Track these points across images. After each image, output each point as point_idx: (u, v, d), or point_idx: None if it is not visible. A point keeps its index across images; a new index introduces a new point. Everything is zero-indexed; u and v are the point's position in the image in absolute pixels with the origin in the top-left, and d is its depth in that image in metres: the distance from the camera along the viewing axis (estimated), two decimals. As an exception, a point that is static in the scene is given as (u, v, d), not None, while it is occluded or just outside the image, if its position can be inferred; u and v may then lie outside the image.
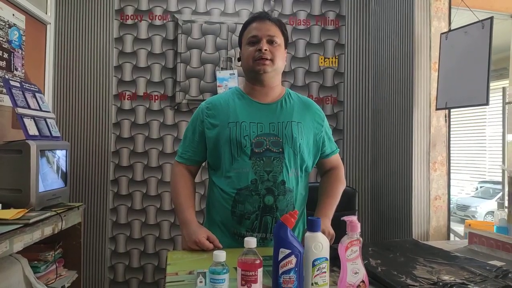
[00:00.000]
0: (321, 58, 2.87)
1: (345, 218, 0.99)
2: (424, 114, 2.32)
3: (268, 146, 1.31)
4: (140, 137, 2.79)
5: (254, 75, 1.36)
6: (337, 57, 2.87)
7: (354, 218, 0.98)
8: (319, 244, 0.95)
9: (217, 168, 1.38)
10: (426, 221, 2.31)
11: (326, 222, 1.35)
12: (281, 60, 1.35)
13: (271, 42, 1.33)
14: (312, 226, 0.97)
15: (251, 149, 1.30)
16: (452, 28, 2.24)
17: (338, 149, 1.50)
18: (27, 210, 1.75)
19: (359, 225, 0.98)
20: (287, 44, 1.41)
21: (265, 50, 1.31)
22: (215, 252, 0.93)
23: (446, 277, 1.02)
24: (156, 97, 2.80)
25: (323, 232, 1.18)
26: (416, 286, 0.96)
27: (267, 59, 1.31)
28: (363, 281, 0.97)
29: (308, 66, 2.86)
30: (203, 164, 1.50)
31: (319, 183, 1.50)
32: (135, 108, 2.79)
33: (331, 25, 2.87)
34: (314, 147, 1.41)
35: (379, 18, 2.74)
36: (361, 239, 0.98)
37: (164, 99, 2.80)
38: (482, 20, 1.99)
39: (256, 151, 1.30)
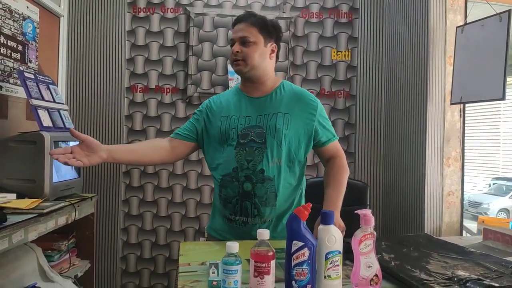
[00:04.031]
0: (334, 52, 2.84)
1: (359, 211, 0.99)
2: (438, 109, 2.29)
3: (252, 137, 1.39)
4: (152, 129, 2.81)
5: (238, 75, 1.48)
6: (350, 50, 2.84)
7: (368, 211, 0.98)
8: (332, 237, 0.95)
9: (212, 157, 1.48)
10: (439, 217, 2.29)
11: (336, 214, 1.36)
12: (259, 57, 1.41)
13: (243, 42, 1.40)
14: (325, 219, 0.97)
15: (237, 140, 1.40)
16: (468, 21, 2.19)
17: (337, 137, 1.49)
18: (41, 200, 1.77)
19: (373, 218, 0.97)
20: (274, 39, 1.45)
21: (237, 52, 1.40)
22: (228, 243, 0.93)
23: (461, 272, 1.01)
24: (168, 90, 2.81)
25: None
26: (431, 281, 0.95)
27: (239, 59, 1.40)
28: (376, 275, 0.97)
29: (321, 60, 2.84)
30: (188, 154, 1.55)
31: (323, 175, 1.51)
32: (147, 101, 2.80)
33: (344, 18, 2.84)
34: (305, 137, 1.43)
35: (393, 11, 2.70)
36: (375, 233, 0.97)
37: (176, 92, 2.81)
38: (499, 13, 1.94)
39: (241, 142, 1.40)
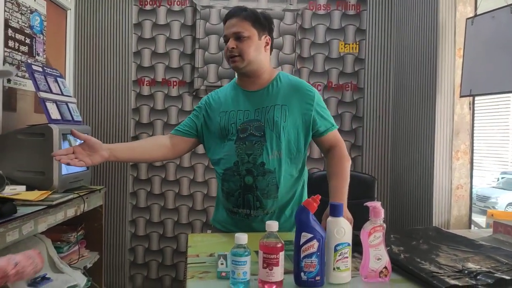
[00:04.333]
0: (341, 44, 2.81)
1: (368, 203, 0.98)
2: (447, 102, 2.27)
3: (251, 131, 1.40)
4: (159, 122, 2.81)
5: (235, 71, 1.47)
6: (358, 43, 2.82)
7: (377, 204, 0.97)
8: (342, 229, 0.94)
9: (213, 152, 1.49)
10: (447, 210, 2.28)
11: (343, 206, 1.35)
12: (254, 51, 1.40)
13: (238, 38, 1.39)
14: (334, 211, 0.96)
15: (237, 135, 1.41)
16: (478, 13, 2.16)
17: (336, 127, 1.49)
18: (50, 192, 1.79)
19: (382, 211, 0.97)
20: (267, 31, 1.45)
21: (232, 48, 1.39)
22: (237, 234, 0.93)
23: (471, 265, 1.00)
24: (175, 83, 2.81)
25: None
26: (441, 273, 0.95)
27: (235, 55, 1.39)
28: (386, 267, 0.97)
29: (328, 52, 2.81)
30: (191, 148, 1.57)
31: (325, 167, 1.50)
32: (153, 94, 2.81)
33: (352, 10, 2.81)
34: (303, 127, 1.43)
35: (402, 3, 2.67)
36: (384, 225, 0.97)
37: (183, 85, 2.81)
38: (510, 5, 1.91)
39: (241, 136, 1.41)
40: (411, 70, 2.55)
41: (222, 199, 1.49)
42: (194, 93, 2.78)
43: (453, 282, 0.89)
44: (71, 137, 2.00)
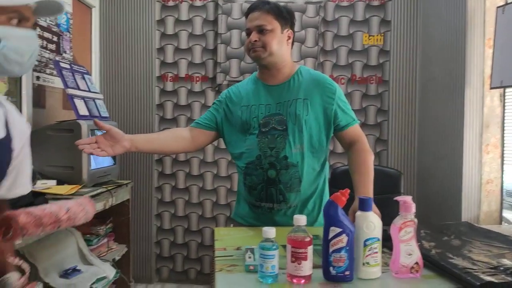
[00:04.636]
0: (366, 36, 2.76)
1: (398, 198, 0.96)
2: (476, 94, 2.19)
3: (273, 125, 1.41)
4: (182, 118, 2.84)
5: (256, 62, 1.47)
6: (382, 34, 2.76)
7: (408, 198, 0.95)
8: (371, 223, 0.93)
9: (234, 146, 1.49)
10: (477, 206, 2.21)
11: None
12: (277, 44, 1.40)
13: (261, 31, 1.39)
14: (364, 205, 0.95)
15: (258, 129, 1.42)
16: (509, 1, 2.08)
17: (357, 121, 1.47)
18: (80, 186, 1.84)
19: (413, 205, 0.95)
20: (289, 25, 1.45)
21: (255, 41, 1.39)
22: (264, 228, 0.93)
23: (507, 262, 0.97)
24: (198, 79, 2.83)
25: None
26: (475, 269, 0.92)
27: (258, 46, 1.39)
28: (417, 263, 0.95)
29: (352, 45, 2.77)
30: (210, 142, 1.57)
31: (347, 162, 1.49)
32: (177, 90, 2.83)
33: (376, 0, 2.75)
34: (324, 121, 1.43)
35: (429, -8, 2.59)
36: (415, 220, 0.95)
37: (205, 81, 2.82)
38: (546, -10, 1.83)
39: (263, 130, 1.41)
40: (438, 62, 2.48)
41: (244, 193, 1.49)
42: (216, 88, 2.79)
43: (488, 278, 0.87)
44: (98, 133, 2.04)
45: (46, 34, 2.16)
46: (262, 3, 1.44)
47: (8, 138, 0.88)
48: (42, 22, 2.12)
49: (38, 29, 2.08)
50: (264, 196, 1.42)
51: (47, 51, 2.17)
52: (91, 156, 1.94)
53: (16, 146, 0.91)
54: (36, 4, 0.84)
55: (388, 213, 1.09)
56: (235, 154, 1.50)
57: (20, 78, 1.98)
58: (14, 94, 1.97)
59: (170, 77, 2.83)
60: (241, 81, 1.79)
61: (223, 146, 2.77)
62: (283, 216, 1.41)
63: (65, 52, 2.35)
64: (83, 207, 0.99)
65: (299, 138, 1.39)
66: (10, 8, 0.79)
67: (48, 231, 0.91)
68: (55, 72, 2.19)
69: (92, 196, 1.83)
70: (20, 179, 0.96)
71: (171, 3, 2.80)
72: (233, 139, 1.49)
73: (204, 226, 2.85)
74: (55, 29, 2.24)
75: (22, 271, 0.94)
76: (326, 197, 1.52)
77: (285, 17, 1.43)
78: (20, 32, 0.82)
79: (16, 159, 0.93)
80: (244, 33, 2.72)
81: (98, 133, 2.01)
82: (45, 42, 2.15)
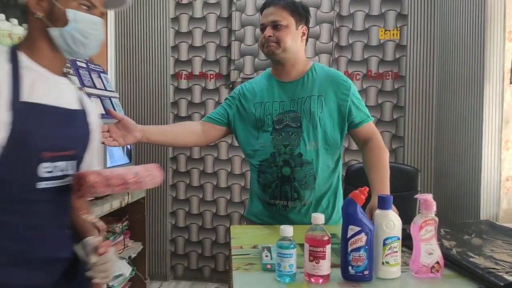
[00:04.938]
0: (381, 31, 2.71)
1: (419, 196, 0.94)
2: (496, 89, 2.14)
3: (287, 122, 1.40)
4: (196, 115, 2.84)
5: (269, 58, 1.46)
6: (399, 29, 2.71)
7: (429, 196, 0.93)
8: (391, 222, 0.91)
9: (247, 143, 1.48)
10: (496, 204, 2.16)
11: None
12: (291, 40, 1.39)
13: (275, 26, 1.38)
14: (383, 203, 0.93)
15: (272, 126, 1.41)
16: (532, -8, 2.02)
17: (371, 118, 1.45)
18: None
19: (434, 204, 0.93)
20: (304, 21, 1.44)
21: (269, 36, 1.38)
22: (282, 226, 0.92)
23: (532, 262, 0.95)
24: (212, 76, 2.83)
25: None
26: (497, 269, 0.90)
27: (272, 42, 1.38)
28: (437, 263, 0.93)
29: (367, 40, 2.73)
30: (220, 137, 1.58)
31: (362, 160, 1.47)
32: (191, 87, 2.84)
33: (392, -6, 2.70)
34: (339, 118, 1.42)
35: (446, -15, 2.54)
36: (436, 218, 0.93)
37: (219, 78, 2.82)
38: None
39: (276, 127, 1.41)
40: (456, 56, 2.43)
41: (258, 191, 1.48)
42: (230, 86, 2.79)
43: (512, 279, 0.84)
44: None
45: (63, 34, 2.18)
46: None
47: (84, 112, 1.01)
48: (58, 21, 2.14)
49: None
50: (279, 194, 1.41)
51: (64, 51, 2.19)
52: (107, 154, 1.96)
53: (91, 121, 1.03)
54: None
55: (405, 211, 1.08)
56: (248, 151, 1.49)
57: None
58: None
59: (184, 75, 2.84)
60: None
61: (236, 143, 2.78)
62: (297, 214, 1.40)
63: (81, 51, 2.37)
64: (150, 173, 1.04)
65: (313, 135, 1.39)
66: None
67: (118, 192, 0.97)
68: (71, 71, 2.21)
69: (109, 194, 1.85)
70: (95, 160, 1.09)
71: (185, 1, 2.80)
72: (245, 136, 1.49)
73: (218, 224, 2.86)
74: (71, 28, 2.26)
75: (97, 229, 0.99)
76: (340, 194, 1.51)
77: (300, 13, 1.42)
78: (87, 17, 0.92)
79: (93, 139, 1.04)
80: (258, 30, 2.73)
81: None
82: (61, 42, 2.17)
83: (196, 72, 2.83)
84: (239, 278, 0.94)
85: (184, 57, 2.83)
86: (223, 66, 2.81)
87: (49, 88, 0.92)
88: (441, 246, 1.03)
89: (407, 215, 0.95)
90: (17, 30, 1.90)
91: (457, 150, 2.41)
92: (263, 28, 1.42)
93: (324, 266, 0.89)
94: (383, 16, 2.71)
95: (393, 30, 2.70)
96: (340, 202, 1.50)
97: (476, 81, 2.22)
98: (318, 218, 0.91)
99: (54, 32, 0.90)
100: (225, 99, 1.57)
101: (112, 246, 0.92)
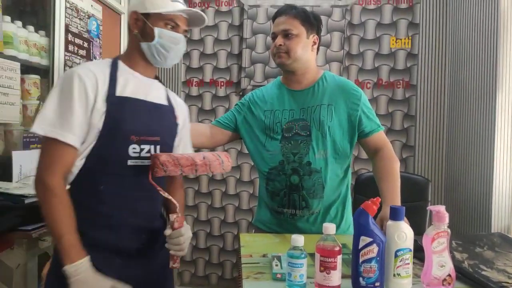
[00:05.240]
0: (393, 39, 2.71)
1: (431, 207, 0.94)
2: (509, 98, 2.12)
3: (297, 131, 1.40)
4: (207, 122, 2.83)
5: (280, 67, 1.47)
6: (410, 37, 2.70)
7: (441, 208, 0.92)
8: (403, 233, 0.91)
9: (256, 151, 1.49)
10: (508, 215, 2.13)
11: None
12: (301, 49, 1.41)
13: (286, 35, 1.40)
14: (395, 214, 0.93)
15: (282, 134, 1.42)
16: (546, 2, 2.00)
17: (382, 128, 1.45)
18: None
19: (447, 215, 0.92)
20: (315, 30, 1.45)
21: (280, 45, 1.39)
22: (293, 236, 0.92)
23: (547, 276, 0.93)
24: (222, 83, 2.84)
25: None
26: (511, 283, 0.88)
27: (282, 52, 1.40)
28: (449, 275, 0.92)
29: (378, 48, 2.72)
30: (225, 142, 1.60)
31: (372, 170, 1.46)
32: (202, 95, 2.86)
33: (404, 3, 2.70)
34: (349, 127, 1.42)
35: (459, -6, 2.53)
36: (449, 230, 0.92)
37: (230, 85, 2.84)
38: None
39: (286, 135, 1.41)
40: (468, 65, 2.42)
41: (267, 198, 1.48)
42: (241, 93, 2.80)
43: (527, 294, 0.83)
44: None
45: (77, 40, 2.22)
46: (289, 7, 1.44)
47: (170, 107, 1.21)
48: (73, 28, 2.18)
49: (70, 35, 2.14)
50: (287, 202, 1.41)
51: (78, 57, 2.23)
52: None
53: (179, 114, 1.23)
54: (188, 16, 1.17)
55: (415, 221, 1.07)
56: (257, 159, 1.50)
57: (52, 83, 2.04)
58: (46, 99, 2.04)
59: (195, 82, 2.86)
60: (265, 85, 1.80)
61: (245, 151, 2.78)
62: (305, 223, 1.40)
63: (95, 57, 2.40)
64: (217, 157, 1.13)
65: (322, 144, 1.39)
66: (166, 16, 1.12)
67: (187, 172, 1.08)
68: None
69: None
70: (187, 150, 1.27)
71: (197, 9, 2.82)
72: (253, 142, 1.50)
73: (226, 231, 2.86)
74: (85, 35, 2.30)
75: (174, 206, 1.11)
76: (349, 203, 1.51)
77: (312, 22, 1.43)
78: (169, 34, 1.13)
79: (182, 129, 1.24)
80: (269, 38, 2.74)
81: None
82: (76, 48, 2.21)
83: (207, 79, 2.85)
84: (249, 287, 0.94)
85: (195, 64, 2.85)
86: (234, 74, 2.82)
87: (139, 87, 1.13)
88: (453, 258, 1.02)
89: (417, 225, 0.95)
90: (33, 37, 1.94)
91: (468, 160, 2.39)
92: (274, 36, 1.43)
93: (335, 277, 0.88)
94: (395, 25, 2.71)
95: (405, 38, 2.70)
96: (348, 211, 1.49)
97: (488, 90, 2.20)
98: (329, 228, 0.90)
99: (144, 45, 1.14)
100: (235, 105, 1.59)
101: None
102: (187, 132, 1.29)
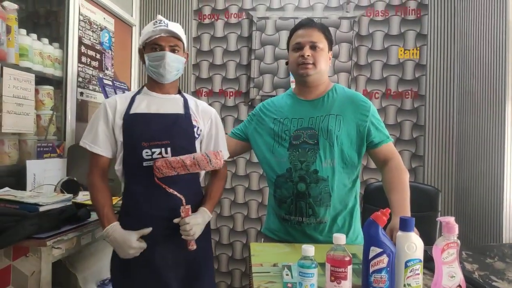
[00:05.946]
0: (401, 50, 2.73)
1: (441, 218, 0.94)
2: (519, 108, 2.12)
3: (304, 139, 1.42)
4: (216, 132, 2.88)
5: (299, 78, 1.50)
6: (418, 48, 2.72)
7: (451, 219, 0.93)
8: (413, 244, 0.91)
9: (264, 158, 1.52)
10: (520, 226, 2.11)
11: None
12: (324, 63, 1.46)
13: (313, 47, 1.43)
14: (405, 225, 0.93)
15: (289, 142, 1.44)
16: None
17: (391, 139, 1.46)
18: (119, 198, 1.89)
19: (456, 226, 0.93)
20: (331, 47, 1.51)
21: (308, 56, 1.42)
22: (304, 246, 0.93)
23: (558, 288, 0.93)
24: (231, 94, 2.88)
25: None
26: (523, 295, 0.89)
27: (309, 63, 1.43)
28: (459, 286, 0.92)
29: (386, 59, 2.74)
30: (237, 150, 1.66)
31: (382, 181, 1.46)
32: (211, 104, 2.89)
33: (412, 14, 2.72)
34: (357, 138, 1.43)
35: (466, 4, 2.54)
36: (458, 241, 0.92)
37: (239, 96, 2.87)
38: None
39: (294, 143, 1.43)
40: (477, 75, 2.42)
41: (275, 206, 1.50)
42: (249, 103, 2.83)
43: (538, 306, 0.83)
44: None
45: (90, 52, 2.27)
46: (311, 21, 1.49)
47: (187, 114, 1.42)
48: (86, 40, 2.23)
49: (83, 47, 2.19)
50: (294, 209, 1.42)
51: (90, 68, 2.28)
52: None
53: (199, 119, 1.45)
54: (169, 33, 1.40)
55: (425, 231, 1.07)
56: (265, 166, 1.53)
57: (65, 94, 2.09)
58: (59, 109, 2.08)
59: (205, 92, 2.90)
60: (274, 96, 1.83)
61: (254, 160, 2.81)
62: (312, 231, 1.41)
63: (107, 69, 2.45)
64: (205, 157, 1.32)
65: (329, 153, 1.40)
66: (150, 42, 1.41)
67: (181, 172, 1.30)
68: (97, 88, 2.29)
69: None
70: (221, 147, 1.48)
71: (207, 21, 2.88)
72: (262, 151, 1.52)
73: (235, 240, 2.86)
74: (98, 47, 2.35)
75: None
76: (357, 214, 1.51)
77: (330, 38, 1.49)
78: (153, 54, 1.40)
79: (209, 131, 1.48)
80: (277, 49, 2.77)
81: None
82: (88, 60, 2.26)
83: (216, 89, 2.88)
84: (260, 296, 0.95)
85: (204, 75, 2.89)
86: (243, 84, 2.86)
87: (152, 103, 1.42)
88: (463, 269, 1.02)
89: (427, 235, 0.95)
90: (47, 49, 1.99)
91: (478, 170, 2.38)
92: (298, 47, 1.45)
93: (346, 287, 0.89)
94: (403, 36, 2.73)
95: (413, 49, 2.72)
96: (357, 221, 1.49)
97: (498, 100, 2.20)
98: (340, 238, 0.91)
99: (146, 70, 1.45)
100: (248, 116, 1.64)
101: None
102: (218, 132, 1.50)
